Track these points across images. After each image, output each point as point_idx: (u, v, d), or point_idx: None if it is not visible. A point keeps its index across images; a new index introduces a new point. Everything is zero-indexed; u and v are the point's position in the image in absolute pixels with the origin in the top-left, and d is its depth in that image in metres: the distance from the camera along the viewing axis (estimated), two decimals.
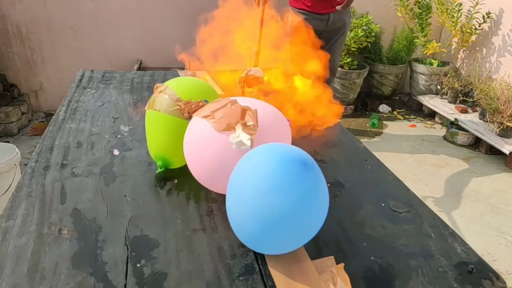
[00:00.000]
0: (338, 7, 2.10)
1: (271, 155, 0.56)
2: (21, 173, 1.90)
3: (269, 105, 0.71)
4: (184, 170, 0.82)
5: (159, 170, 0.78)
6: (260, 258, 0.59)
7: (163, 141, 0.77)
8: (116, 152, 0.87)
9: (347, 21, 2.38)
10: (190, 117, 0.73)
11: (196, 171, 0.71)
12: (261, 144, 0.60)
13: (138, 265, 0.57)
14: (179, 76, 1.39)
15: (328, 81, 2.64)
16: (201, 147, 0.68)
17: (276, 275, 0.56)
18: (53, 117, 1.05)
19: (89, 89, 1.25)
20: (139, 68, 3.00)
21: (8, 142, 2.50)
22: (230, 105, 0.66)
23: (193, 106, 0.73)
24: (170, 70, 1.53)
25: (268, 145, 0.59)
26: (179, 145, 0.72)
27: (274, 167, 0.54)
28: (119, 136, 0.95)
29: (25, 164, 2.04)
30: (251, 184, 0.55)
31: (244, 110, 0.64)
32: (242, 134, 0.62)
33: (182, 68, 2.97)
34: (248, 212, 0.55)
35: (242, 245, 0.61)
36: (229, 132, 0.64)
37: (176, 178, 0.79)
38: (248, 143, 0.61)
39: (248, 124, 0.63)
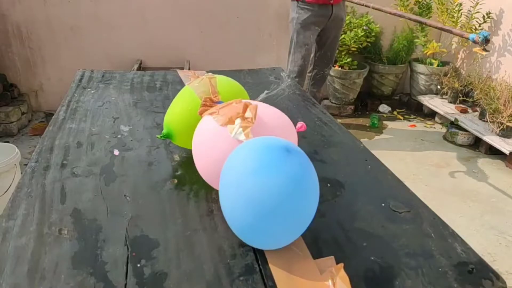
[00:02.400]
0: None
1: (256, 143, 0.59)
2: (21, 173, 1.90)
3: (276, 109, 0.76)
4: (184, 170, 0.82)
5: (160, 135, 0.84)
6: (260, 258, 0.59)
7: (180, 116, 0.83)
8: (116, 152, 0.87)
9: (343, 14, 2.59)
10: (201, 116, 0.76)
11: (201, 167, 0.73)
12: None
13: (138, 265, 0.57)
14: (179, 76, 1.39)
15: (329, 69, 2.77)
16: (205, 143, 0.70)
17: (277, 275, 0.56)
18: (53, 117, 1.05)
19: (89, 89, 1.25)
20: (139, 68, 3.00)
21: (8, 142, 2.50)
22: (235, 103, 0.70)
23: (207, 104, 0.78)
24: (170, 70, 1.53)
25: (257, 137, 0.62)
26: (190, 127, 0.77)
27: (257, 152, 0.57)
28: (119, 136, 0.95)
29: (25, 164, 2.04)
30: (236, 171, 0.58)
31: (246, 106, 0.67)
32: (239, 125, 0.65)
33: (182, 68, 2.97)
34: (236, 196, 0.57)
35: (242, 245, 0.61)
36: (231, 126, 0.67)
37: (175, 179, 0.79)
38: (242, 134, 0.64)
39: (246, 117, 0.66)
